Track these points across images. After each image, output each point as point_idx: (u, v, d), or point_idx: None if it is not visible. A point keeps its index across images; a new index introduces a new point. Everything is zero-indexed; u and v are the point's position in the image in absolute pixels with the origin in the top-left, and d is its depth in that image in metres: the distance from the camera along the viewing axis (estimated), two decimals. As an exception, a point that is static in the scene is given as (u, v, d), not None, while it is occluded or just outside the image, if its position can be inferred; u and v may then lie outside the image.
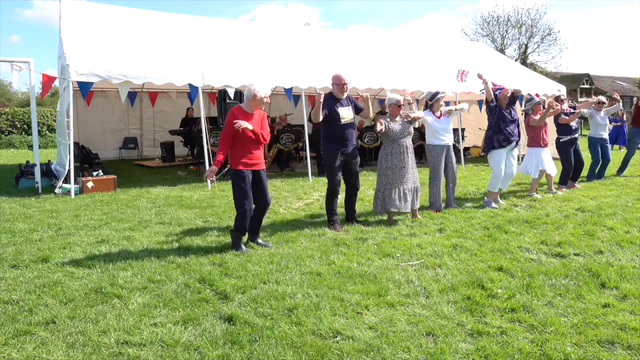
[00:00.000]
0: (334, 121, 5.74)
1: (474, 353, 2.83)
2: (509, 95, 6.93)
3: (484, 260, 4.52)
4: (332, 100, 5.79)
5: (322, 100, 5.53)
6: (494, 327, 3.15)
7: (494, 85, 7.07)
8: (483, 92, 7.17)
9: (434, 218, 6.24)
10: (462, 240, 5.21)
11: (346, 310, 3.42)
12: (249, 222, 5.02)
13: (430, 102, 6.77)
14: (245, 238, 5.07)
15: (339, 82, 5.79)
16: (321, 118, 5.64)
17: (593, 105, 9.31)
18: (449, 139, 6.69)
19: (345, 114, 5.79)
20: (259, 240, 5.16)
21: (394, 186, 5.89)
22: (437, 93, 6.77)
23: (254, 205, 4.99)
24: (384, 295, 3.69)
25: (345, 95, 5.86)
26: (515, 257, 4.62)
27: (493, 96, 6.93)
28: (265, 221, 5.10)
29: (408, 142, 6.02)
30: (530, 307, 3.44)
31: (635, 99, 9.89)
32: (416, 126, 6.29)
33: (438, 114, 6.72)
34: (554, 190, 8.08)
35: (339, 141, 5.75)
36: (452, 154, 6.83)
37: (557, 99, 8.70)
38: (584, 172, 10.08)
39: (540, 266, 4.35)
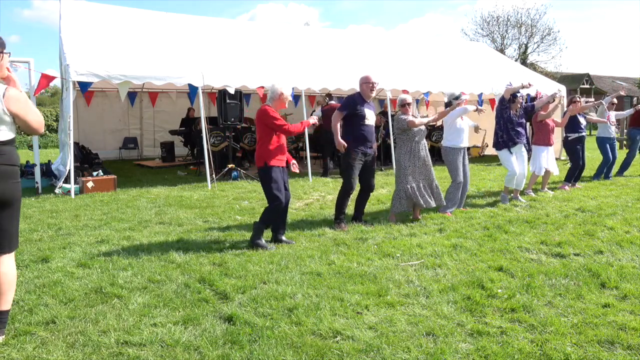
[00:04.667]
0: (358, 122, 5.77)
1: (474, 353, 2.83)
2: (522, 102, 7.10)
3: (484, 260, 4.52)
4: (360, 100, 5.82)
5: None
6: (494, 327, 3.15)
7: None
8: (509, 85, 7.24)
9: (434, 218, 6.24)
10: (462, 240, 5.21)
11: (346, 310, 3.42)
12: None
13: (457, 102, 6.62)
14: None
15: (367, 82, 5.81)
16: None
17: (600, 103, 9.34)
18: (467, 142, 6.65)
19: (370, 115, 5.84)
20: (283, 238, 5.20)
21: (420, 183, 6.00)
22: (460, 94, 6.73)
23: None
24: (384, 295, 3.69)
25: (374, 95, 5.92)
26: (515, 257, 4.62)
27: (510, 97, 7.01)
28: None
29: (424, 140, 6.15)
30: (530, 307, 3.44)
31: (635, 99, 9.91)
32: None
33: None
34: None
35: (361, 141, 5.77)
36: (467, 155, 6.78)
37: (572, 100, 8.68)
38: (585, 172, 10.10)
39: (540, 266, 4.35)
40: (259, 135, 5.07)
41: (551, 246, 4.96)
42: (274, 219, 5.06)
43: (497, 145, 7.19)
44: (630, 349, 2.87)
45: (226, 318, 3.31)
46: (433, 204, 6.11)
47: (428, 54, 14.55)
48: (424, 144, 6.13)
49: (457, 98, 6.66)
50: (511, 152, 7.09)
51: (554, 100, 7.72)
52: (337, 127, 5.84)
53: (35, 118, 3.14)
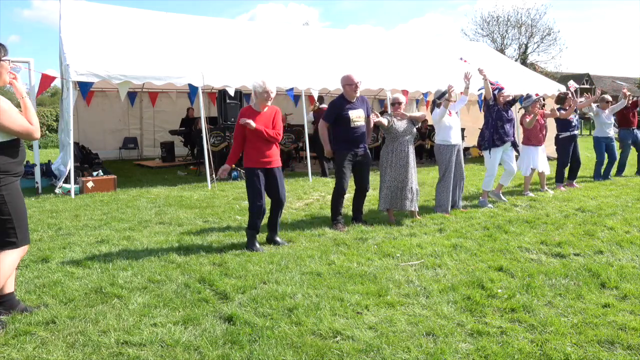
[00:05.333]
0: (345, 124, 5.71)
1: (474, 353, 2.83)
2: (509, 99, 6.99)
3: (484, 260, 4.52)
4: (342, 103, 5.74)
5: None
6: (494, 327, 3.15)
7: (492, 84, 7.06)
8: (481, 90, 7.19)
9: (434, 218, 6.23)
10: (462, 240, 5.21)
11: (346, 310, 3.42)
12: (268, 220, 5.13)
13: (439, 101, 6.60)
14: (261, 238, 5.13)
15: (350, 83, 5.70)
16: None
17: (597, 105, 9.28)
18: (458, 139, 6.59)
19: (356, 116, 5.74)
20: (277, 239, 5.18)
21: (396, 184, 5.92)
22: (445, 92, 6.59)
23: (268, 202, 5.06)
24: (384, 295, 3.68)
25: (358, 94, 5.80)
26: (515, 257, 4.62)
27: (492, 95, 6.95)
28: (265, 221, 5.11)
29: (410, 141, 6.04)
30: (530, 307, 3.44)
31: (626, 93, 9.65)
32: (417, 126, 6.27)
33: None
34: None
35: (349, 142, 5.74)
36: (461, 153, 6.73)
37: (566, 96, 8.62)
38: (585, 172, 10.09)
39: (540, 266, 4.35)
40: None
41: (551, 246, 4.96)
42: (256, 220, 4.94)
43: (482, 145, 7.11)
44: (630, 349, 2.87)
45: (226, 318, 3.31)
46: (409, 207, 5.96)
47: (428, 54, 14.54)
48: (408, 146, 5.97)
49: (442, 95, 6.59)
50: (493, 155, 7.00)
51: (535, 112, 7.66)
52: (326, 135, 5.89)
53: (23, 125, 3.06)
